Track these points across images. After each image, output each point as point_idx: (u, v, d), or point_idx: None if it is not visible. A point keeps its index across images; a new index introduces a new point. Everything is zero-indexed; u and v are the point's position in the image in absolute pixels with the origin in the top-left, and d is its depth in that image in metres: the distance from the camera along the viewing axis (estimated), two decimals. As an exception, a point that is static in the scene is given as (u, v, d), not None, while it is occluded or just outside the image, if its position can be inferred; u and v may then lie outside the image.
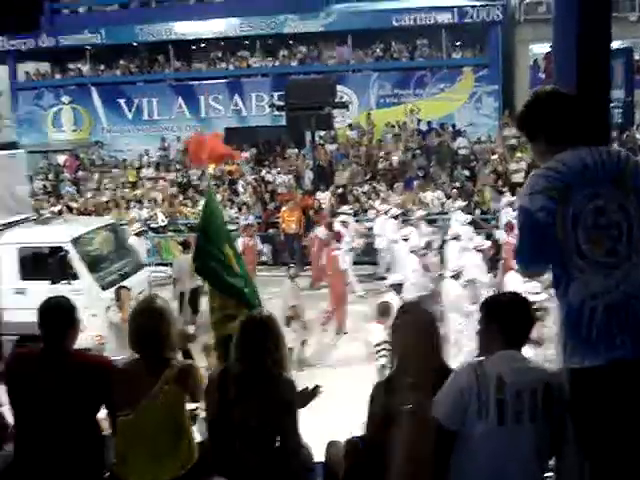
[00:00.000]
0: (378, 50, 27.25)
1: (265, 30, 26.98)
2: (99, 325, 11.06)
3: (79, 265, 11.89)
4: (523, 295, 3.58)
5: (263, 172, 22.26)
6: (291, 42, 28.04)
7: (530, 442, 3.23)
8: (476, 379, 3.23)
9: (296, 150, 23.27)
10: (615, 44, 22.62)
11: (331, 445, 4.00)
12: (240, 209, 18.73)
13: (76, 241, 12.17)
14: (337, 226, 15.61)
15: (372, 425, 3.62)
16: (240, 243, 14.62)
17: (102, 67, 28.78)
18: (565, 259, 3.04)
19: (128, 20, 27.50)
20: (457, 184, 20.17)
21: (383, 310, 8.83)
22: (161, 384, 3.67)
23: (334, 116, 21.09)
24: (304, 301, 12.32)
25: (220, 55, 28.48)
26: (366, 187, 20.30)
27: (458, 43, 27.21)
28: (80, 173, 25.23)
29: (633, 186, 3.11)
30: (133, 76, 28.17)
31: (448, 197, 19.10)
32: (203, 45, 28.79)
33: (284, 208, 18.24)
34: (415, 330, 3.62)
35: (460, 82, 25.77)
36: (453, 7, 25.78)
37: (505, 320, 3.37)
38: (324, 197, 19.32)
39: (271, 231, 18.81)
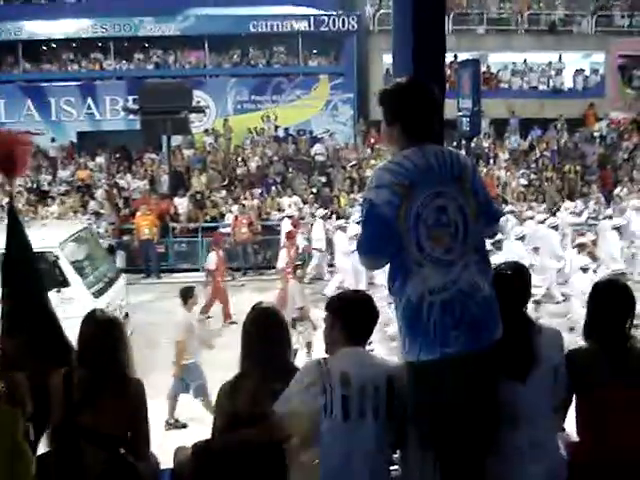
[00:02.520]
0: (235, 56, 27.22)
1: (120, 32, 26.36)
2: None
3: (70, 271, 10.98)
4: (364, 292, 3.62)
5: (117, 177, 21.73)
6: (147, 45, 27.54)
7: (374, 436, 3.26)
8: (321, 376, 3.24)
9: (152, 155, 22.88)
10: (463, 56, 23.58)
11: (179, 450, 3.91)
12: (94, 216, 18.15)
13: (63, 246, 11.18)
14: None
15: (218, 427, 3.57)
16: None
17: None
18: (405, 254, 3.08)
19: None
20: (314, 190, 20.44)
21: None
22: None
23: (191, 121, 20.89)
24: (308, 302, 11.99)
25: (72, 57, 27.56)
26: (223, 192, 20.21)
27: (315, 51, 27.61)
28: None
29: (471, 189, 3.21)
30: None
31: (305, 202, 19.32)
32: (54, 46, 27.77)
33: (138, 213, 17.86)
34: (259, 330, 3.60)
35: (316, 89, 26.14)
36: (310, 15, 26.14)
37: (347, 317, 3.40)
38: (181, 202, 19.12)
39: (125, 238, 18.36)
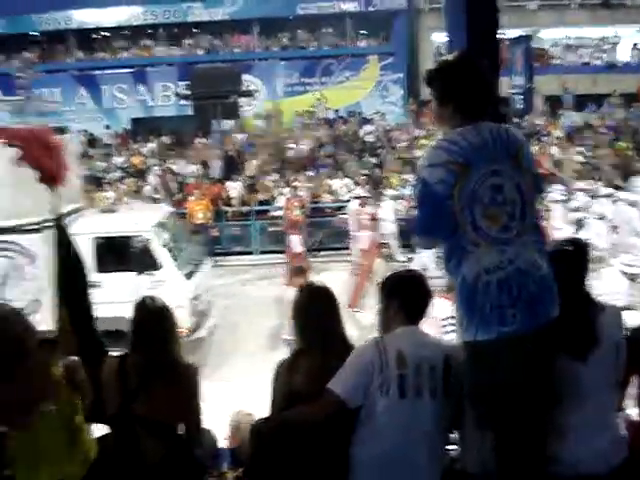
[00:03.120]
0: (284, 39, 27.25)
1: (169, 18, 26.60)
2: (185, 317, 10.41)
3: (162, 254, 11.08)
4: (418, 271, 3.62)
5: (169, 162, 21.97)
6: (196, 30, 27.73)
7: (431, 415, 3.27)
8: (379, 355, 3.25)
9: (204, 140, 23.06)
10: (515, 32, 23.19)
11: (236, 429, 3.97)
12: (150, 200, 18.39)
13: (155, 229, 11.33)
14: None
15: (276, 405, 3.61)
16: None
17: (0, 57, 27.80)
18: (460, 233, 3.06)
19: (27, 9, 26.62)
20: (365, 171, 20.36)
21: (451, 285, 8.87)
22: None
23: (240, 105, 20.98)
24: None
25: (123, 44, 27.92)
26: (275, 176, 20.26)
27: (363, 31, 27.46)
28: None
29: (526, 167, 3.17)
30: (33, 66, 27.30)
31: (357, 184, 19.26)
32: (105, 34, 28.17)
33: (192, 198, 18.02)
34: (314, 308, 3.61)
35: (365, 70, 26.04)
36: (358, -5, 26.02)
37: (403, 297, 3.41)
38: (234, 186, 19.22)
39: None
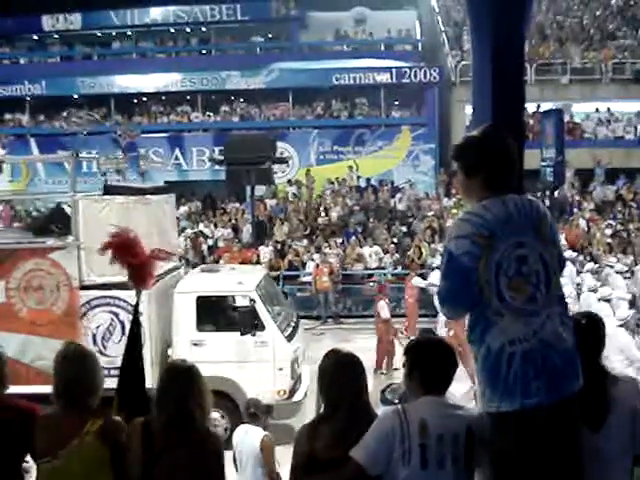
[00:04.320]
0: (319, 108, 27.71)
1: (207, 86, 27.24)
2: (285, 380, 10.53)
3: (266, 315, 10.99)
4: (445, 340, 3.62)
5: (201, 225, 22.25)
6: (233, 98, 28.34)
7: (453, 487, 3.27)
8: (400, 424, 3.25)
9: (236, 204, 23.35)
10: (547, 105, 23.43)
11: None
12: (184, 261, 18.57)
13: (258, 290, 11.27)
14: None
15: (296, 472, 3.61)
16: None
17: (42, 118, 28.59)
18: (485, 304, 3.10)
19: (70, 72, 27.51)
20: (395, 240, 20.48)
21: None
22: (81, 436, 3.56)
23: (274, 171, 21.27)
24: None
25: (161, 109, 28.61)
26: (305, 241, 20.42)
27: (396, 102, 27.87)
28: (15, 224, 24.80)
29: (549, 237, 3.23)
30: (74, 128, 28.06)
31: (385, 252, 19.36)
32: (144, 99, 28.90)
33: (222, 261, 18.19)
34: (340, 374, 3.62)
35: (398, 140, 26.29)
36: (392, 67, 26.47)
37: (427, 365, 3.40)
38: (266, 251, 19.38)
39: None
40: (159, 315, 10.77)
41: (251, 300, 10.87)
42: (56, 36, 31.23)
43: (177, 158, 26.82)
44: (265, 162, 19.91)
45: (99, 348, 10.31)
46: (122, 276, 10.17)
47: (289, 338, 11.12)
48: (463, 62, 26.03)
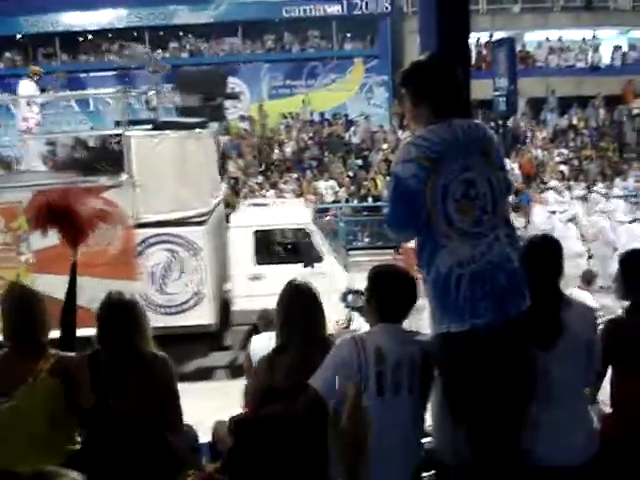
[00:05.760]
0: (269, 41, 27.26)
1: (154, 21, 26.57)
2: (343, 310, 10.40)
3: (323, 247, 11.04)
4: (405, 270, 3.61)
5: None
6: (181, 33, 27.72)
7: (409, 411, 3.31)
8: (357, 352, 3.28)
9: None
10: (499, 35, 23.38)
11: (217, 424, 3.99)
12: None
13: (314, 222, 11.34)
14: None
15: (254, 401, 3.63)
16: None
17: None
18: (434, 227, 3.10)
19: (12, 11, 26.54)
20: (350, 173, 20.47)
21: (588, 277, 9.04)
22: (35, 374, 3.56)
23: (226, 107, 20.96)
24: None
25: (108, 47, 27.87)
26: (260, 178, 20.30)
27: (348, 34, 27.51)
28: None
29: (496, 160, 3.24)
30: (18, 69, 27.19)
31: (341, 186, 19.36)
32: (90, 37, 28.09)
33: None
34: (295, 304, 3.64)
35: (351, 73, 26.08)
36: (342, -1, 26.09)
37: (385, 295, 3.42)
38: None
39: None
40: (214, 250, 10.72)
41: (310, 232, 10.99)
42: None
43: (128, 96, 26.22)
44: (216, 98, 19.62)
45: (157, 286, 10.27)
46: (179, 212, 10.21)
47: (345, 269, 11.18)
48: (415, -8, 25.75)
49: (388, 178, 18.66)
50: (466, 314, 3.07)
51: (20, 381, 3.55)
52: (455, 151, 3.13)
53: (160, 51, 27.35)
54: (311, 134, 23.79)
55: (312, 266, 10.75)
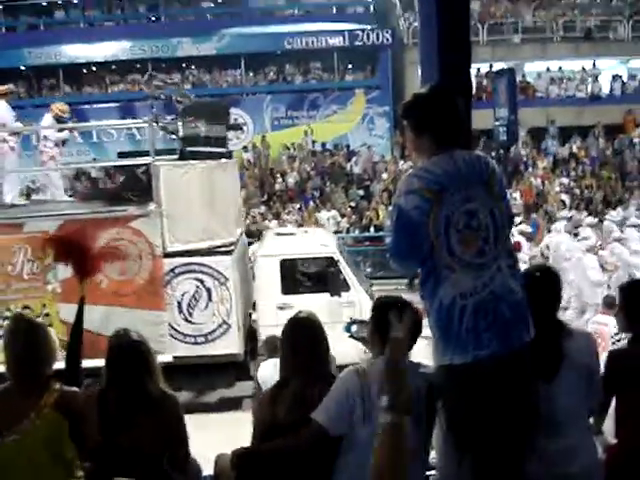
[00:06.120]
0: (271, 73, 27.49)
1: (157, 53, 26.80)
2: None
3: (350, 275, 11.04)
4: (409, 300, 3.60)
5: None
6: (184, 65, 27.95)
7: (413, 443, 3.27)
8: (360, 385, 3.27)
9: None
10: (499, 65, 23.52)
11: (219, 457, 3.97)
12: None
13: (340, 251, 11.37)
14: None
15: (258, 435, 3.62)
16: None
17: (-11, 91, 27.87)
18: (436, 258, 3.12)
19: (16, 43, 26.81)
20: (352, 203, 20.54)
21: (610, 301, 8.98)
22: (39, 408, 3.52)
23: (229, 139, 21.06)
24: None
25: (112, 79, 28.09)
26: (262, 208, 20.37)
27: (350, 66, 27.75)
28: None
29: (498, 191, 3.26)
30: (22, 100, 27.37)
31: (343, 216, 19.41)
32: (94, 68, 28.32)
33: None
34: (298, 338, 3.65)
35: (352, 104, 26.24)
36: (344, 31, 26.29)
37: (383, 325, 3.37)
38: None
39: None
40: (240, 279, 10.72)
41: (336, 261, 10.97)
42: (0, 6, 30.40)
43: (129, 128, 26.38)
44: (219, 129, 19.71)
45: (185, 316, 10.24)
46: (207, 242, 10.19)
47: (371, 298, 11.06)
48: (415, 23, 25.87)
49: (390, 208, 18.80)
50: (469, 345, 3.07)
51: (23, 415, 3.52)
52: (457, 182, 3.15)
53: (163, 83, 27.55)
54: (313, 164, 23.91)
55: (339, 295, 10.74)
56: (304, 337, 3.65)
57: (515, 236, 14.61)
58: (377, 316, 3.47)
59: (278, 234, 12.75)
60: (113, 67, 28.09)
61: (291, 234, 12.71)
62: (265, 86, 27.37)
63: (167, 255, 10.16)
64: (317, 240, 11.81)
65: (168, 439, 3.69)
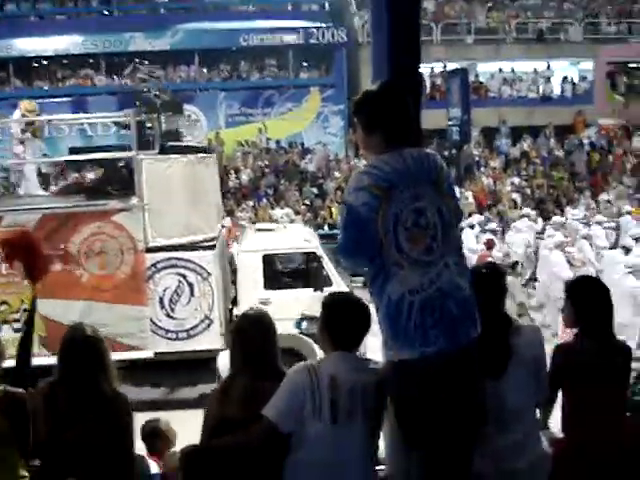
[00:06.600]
0: (226, 69, 27.35)
1: (110, 48, 26.48)
2: None
3: (332, 271, 10.86)
4: (359, 297, 3.63)
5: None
6: (137, 60, 27.66)
7: (363, 439, 3.30)
8: (310, 380, 3.27)
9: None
10: (453, 65, 23.79)
11: (168, 455, 3.94)
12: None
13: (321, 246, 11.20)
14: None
15: (207, 431, 3.59)
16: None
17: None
18: (385, 255, 3.13)
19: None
20: (306, 201, 20.54)
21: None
22: None
23: (183, 135, 20.91)
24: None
25: (63, 73, 27.67)
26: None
27: (305, 63, 27.76)
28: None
29: (446, 189, 3.29)
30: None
31: (297, 213, 19.40)
32: (45, 63, 27.88)
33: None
34: (246, 333, 3.62)
35: (307, 102, 26.26)
36: (299, 28, 26.29)
37: (338, 323, 3.41)
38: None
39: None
40: (222, 274, 10.65)
41: (319, 256, 10.93)
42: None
43: (81, 123, 26.02)
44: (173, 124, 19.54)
45: (166, 311, 10.16)
46: (189, 237, 10.05)
47: (351, 293, 11.08)
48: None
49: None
50: (416, 342, 3.08)
51: None
52: (406, 180, 3.16)
53: (116, 78, 27.27)
54: (267, 162, 23.84)
55: (322, 290, 10.51)
56: (252, 332, 3.63)
57: (487, 234, 14.86)
58: (327, 313, 3.48)
59: (259, 229, 12.72)
60: (65, 61, 27.66)
61: (271, 230, 12.66)
62: (219, 82, 27.22)
63: (149, 250, 10.11)
64: (299, 235, 11.81)
65: (115, 438, 3.64)
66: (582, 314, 3.82)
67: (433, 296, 3.10)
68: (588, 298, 3.82)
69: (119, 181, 10.79)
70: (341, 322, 3.41)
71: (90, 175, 22.66)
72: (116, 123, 23.61)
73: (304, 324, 10.37)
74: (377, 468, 3.51)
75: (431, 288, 3.10)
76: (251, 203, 20.24)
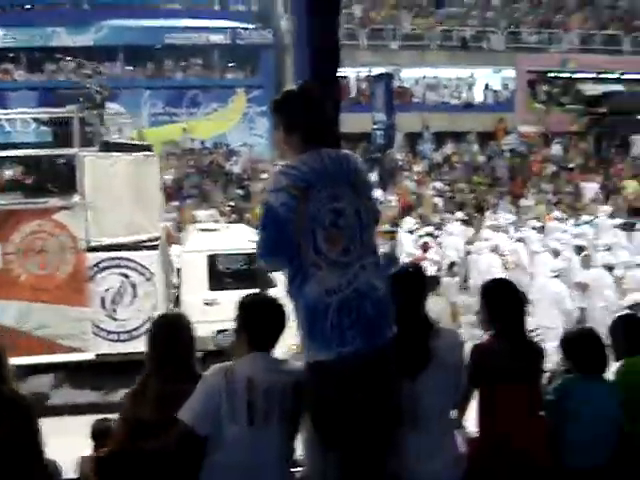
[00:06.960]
0: (150, 68, 27.01)
1: (31, 43, 25.89)
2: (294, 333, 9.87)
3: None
4: (275, 298, 3.62)
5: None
6: (59, 56, 27.09)
7: (279, 440, 3.30)
8: (226, 383, 3.24)
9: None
10: (378, 70, 24.03)
11: (83, 460, 3.85)
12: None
13: None
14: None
15: (121, 435, 3.54)
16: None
17: None
18: (303, 256, 3.13)
19: None
20: (231, 202, 20.42)
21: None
22: None
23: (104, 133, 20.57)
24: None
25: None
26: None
27: (231, 64, 27.65)
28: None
29: (364, 190, 3.30)
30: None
31: (222, 215, 19.28)
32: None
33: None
34: (162, 334, 3.61)
35: (233, 102, 26.20)
36: (226, 28, 26.22)
37: (254, 325, 3.40)
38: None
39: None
40: (165, 275, 10.52)
41: None
42: None
43: (-1, 119, 25.38)
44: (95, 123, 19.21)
45: (108, 312, 9.93)
46: (133, 236, 9.80)
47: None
48: (296, 25, 26.06)
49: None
50: (333, 342, 3.09)
51: None
52: (324, 180, 3.17)
53: (38, 73, 26.67)
54: (192, 162, 23.65)
55: (266, 291, 10.62)
56: (165, 334, 3.62)
57: (423, 237, 15.01)
58: (242, 315, 3.46)
59: (202, 229, 12.64)
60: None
61: (215, 230, 12.60)
62: (143, 80, 26.90)
63: (91, 249, 9.90)
64: (243, 235, 11.70)
65: (19, 442, 3.53)
66: (496, 316, 3.90)
67: (350, 297, 3.11)
68: (501, 300, 3.91)
69: (59, 179, 10.57)
70: (257, 322, 3.41)
71: (9, 172, 22.14)
72: (35, 119, 23.18)
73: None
74: (293, 470, 3.51)
75: (348, 289, 3.11)
76: (175, 204, 20.01)
